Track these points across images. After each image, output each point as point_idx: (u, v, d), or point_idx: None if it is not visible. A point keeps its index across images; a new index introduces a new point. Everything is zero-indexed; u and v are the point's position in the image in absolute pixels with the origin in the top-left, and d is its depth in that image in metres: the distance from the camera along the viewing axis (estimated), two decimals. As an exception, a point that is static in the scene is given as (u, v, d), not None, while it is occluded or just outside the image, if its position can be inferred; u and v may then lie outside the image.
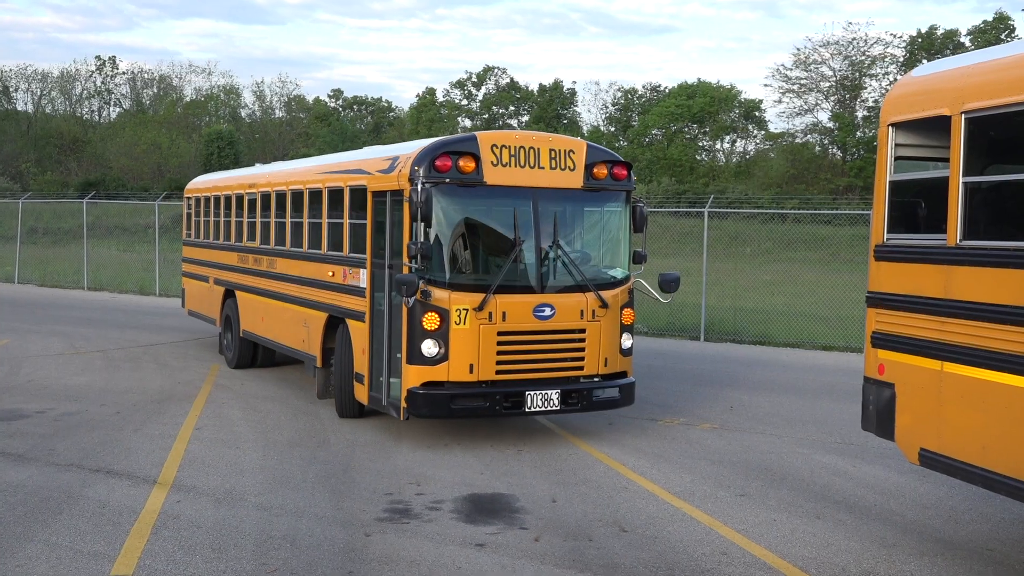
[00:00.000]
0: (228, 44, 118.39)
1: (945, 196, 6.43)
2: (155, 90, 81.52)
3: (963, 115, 6.28)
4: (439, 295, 9.44)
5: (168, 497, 8.08)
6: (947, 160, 6.46)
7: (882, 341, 7.10)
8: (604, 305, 10.04)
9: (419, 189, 9.22)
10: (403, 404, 9.65)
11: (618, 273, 10.52)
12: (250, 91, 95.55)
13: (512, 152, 9.83)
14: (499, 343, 9.58)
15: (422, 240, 9.35)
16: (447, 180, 9.48)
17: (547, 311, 9.74)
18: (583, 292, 9.98)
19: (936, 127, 6.71)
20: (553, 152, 10.05)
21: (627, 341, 10.43)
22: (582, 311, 9.93)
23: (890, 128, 7.09)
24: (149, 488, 8.35)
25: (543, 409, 9.81)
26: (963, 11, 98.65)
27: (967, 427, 6.29)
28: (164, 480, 8.62)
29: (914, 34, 63.01)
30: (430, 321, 9.37)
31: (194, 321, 19.81)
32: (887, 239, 7.11)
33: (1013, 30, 52.72)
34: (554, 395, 9.80)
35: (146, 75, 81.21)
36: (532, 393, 9.70)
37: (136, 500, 7.98)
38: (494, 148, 9.77)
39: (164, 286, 28.44)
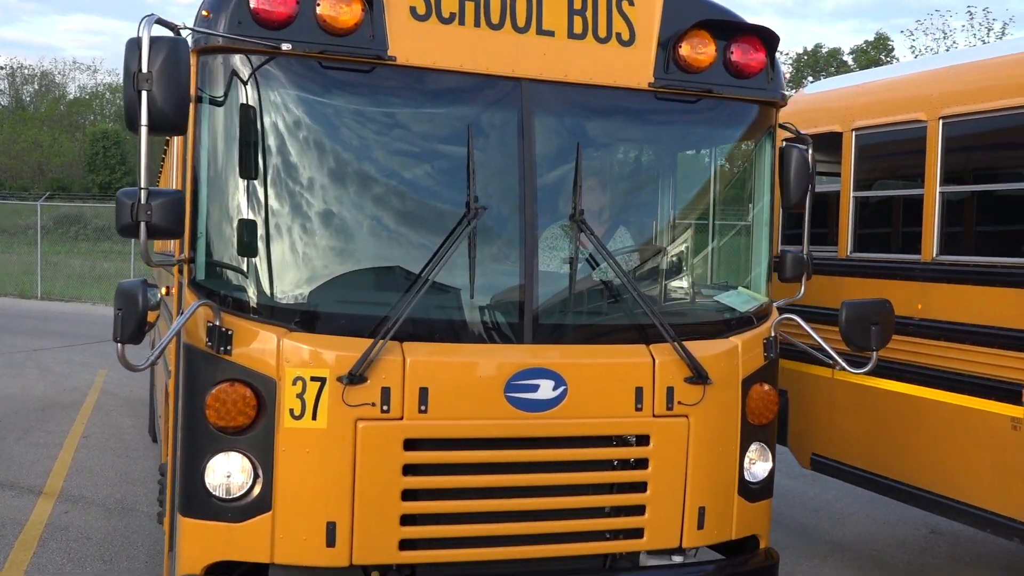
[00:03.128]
0: (116, 41, 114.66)
1: (836, 209, 6.70)
2: (36, 87, 78.34)
3: (853, 132, 6.56)
4: (251, 341, 4.08)
5: (55, 508, 7.78)
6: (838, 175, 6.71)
7: (776, 349, 7.30)
8: (701, 377, 4.46)
9: (206, 64, 4.13)
10: None
11: (738, 300, 4.95)
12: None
13: None
14: (409, 469, 4.15)
15: (201, 192, 4.20)
16: (283, 45, 4.00)
17: (544, 386, 4.25)
18: (644, 343, 4.48)
19: (828, 143, 6.97)
20: None
21: (759, 463, 4.81)
22: (639, 392, 4.40)
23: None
24: (35, 499, 8.02)
25: None
26: (846, 31, 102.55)
27: (856, 432, 6.57)
28: (51, 490, 8.29)
29: (800, 52, 65.24)
30: (227, 406, 4.03)
31: (79, 325, 19.09)
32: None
33: (892, 50, 55.08)
34: None
35: (27, 71, 77.96)
36: None
37: (21, 511, 7.65)
38: None
39: (47, 289, 27.35)
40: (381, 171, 4.41)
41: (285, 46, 4.02)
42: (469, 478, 4.22)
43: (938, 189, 5.98)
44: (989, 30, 34.47)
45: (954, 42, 34.37)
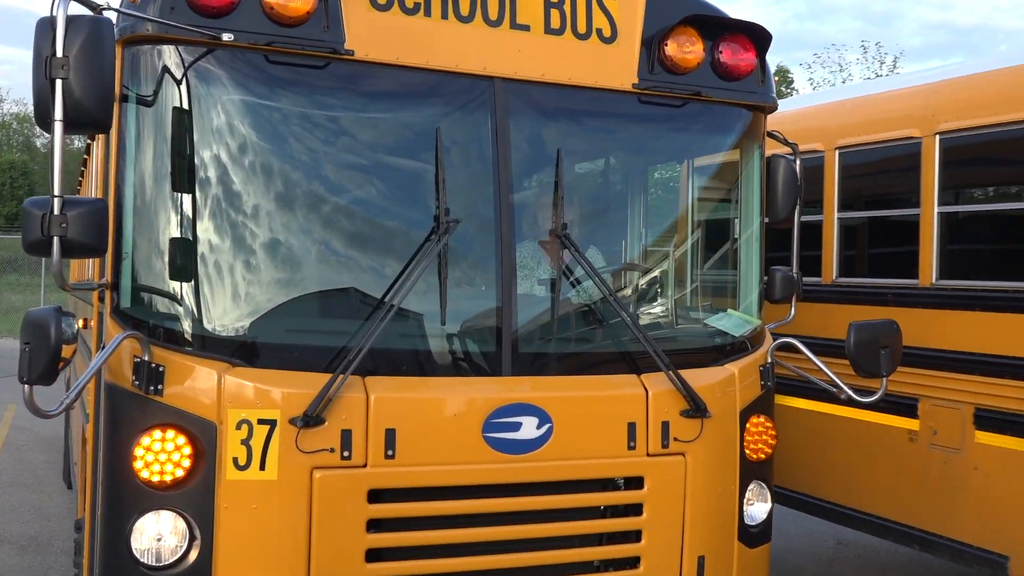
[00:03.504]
0: (22, 70, 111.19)
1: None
2: (-62, 115, 75.40)
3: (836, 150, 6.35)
4: (187, 378, 3.48)
5: (-33, 546, 7.32)
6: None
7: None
8: (699, 410, 3.95)
9: (134, 56, 3.53)
10: None
11: (731, 323, 4.46)
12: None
13: None
14: (374, 525, 3.57)
15: (126, 204, 3.58)
16: (224, 36, 3.44)
17: (527, 424, 3.71)
18: (635, 372, 3.99)
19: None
20: None
21: (758, 503, 4.30)
22: (631, 428, 3.88)
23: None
24: (-57, 537, 7.53)
25: None
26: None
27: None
28: (-39, 528, 7.84)
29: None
30: (157, 456, 3.41)
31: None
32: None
33: (792, 82, 56.49)
34: None
35: (-72, 99, 75.06)
36: None
37: (-73, 551, 7.13)
38: None
39: (-54, 322, 25.89)
40: (337, 182, 3.82)
41: (226, 36, 3.48)
42: (444, 533, 3.63)
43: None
44: (882, 63, 35.85)
45: (850, 74, 35.69)
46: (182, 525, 3.45)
